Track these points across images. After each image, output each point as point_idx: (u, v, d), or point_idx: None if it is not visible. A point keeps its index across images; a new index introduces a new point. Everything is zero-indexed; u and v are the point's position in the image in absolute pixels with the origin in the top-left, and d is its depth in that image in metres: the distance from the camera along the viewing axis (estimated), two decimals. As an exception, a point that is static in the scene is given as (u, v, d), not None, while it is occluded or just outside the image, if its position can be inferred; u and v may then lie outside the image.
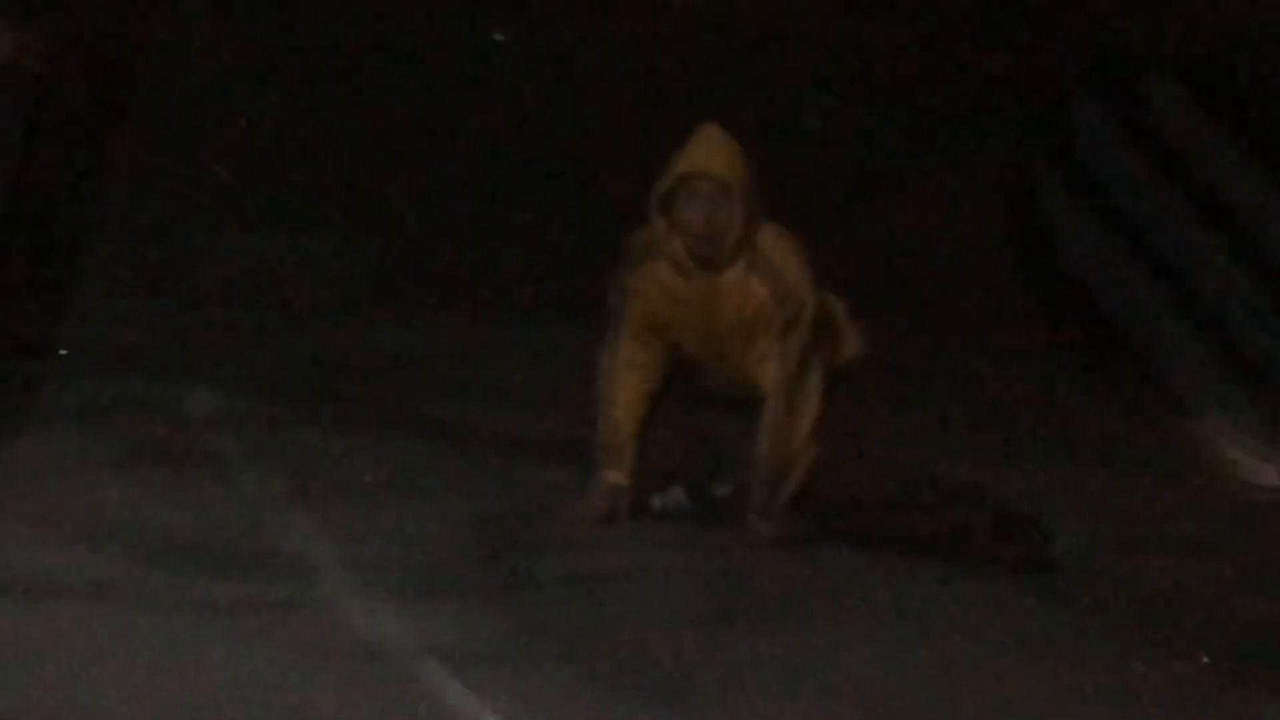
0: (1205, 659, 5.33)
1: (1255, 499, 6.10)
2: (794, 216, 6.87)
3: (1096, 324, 6.42)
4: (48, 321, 6.54)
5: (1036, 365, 6.80)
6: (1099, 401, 6.62)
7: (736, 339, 6.10)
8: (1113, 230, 6.34)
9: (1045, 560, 5.97)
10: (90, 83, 6.76)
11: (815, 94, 7.64)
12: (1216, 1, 6.82)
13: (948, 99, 7.61)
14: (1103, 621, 5.68)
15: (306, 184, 7.36)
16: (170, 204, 7.19)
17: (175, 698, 4.63)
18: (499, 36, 7.29)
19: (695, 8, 7.33)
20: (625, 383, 6.11)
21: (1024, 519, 6.11)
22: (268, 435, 6.62)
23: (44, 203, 6.60)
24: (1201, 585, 5.90)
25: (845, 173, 7.51)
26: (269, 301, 7.38)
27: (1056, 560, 5.96)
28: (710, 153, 6.02)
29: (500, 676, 4.84)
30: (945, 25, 7.39)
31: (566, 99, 7.70)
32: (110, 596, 5.20)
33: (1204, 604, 5.79)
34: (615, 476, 6.11)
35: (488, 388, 7.37)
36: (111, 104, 6.91)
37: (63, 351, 6.55)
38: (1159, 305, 6.14)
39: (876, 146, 7.68)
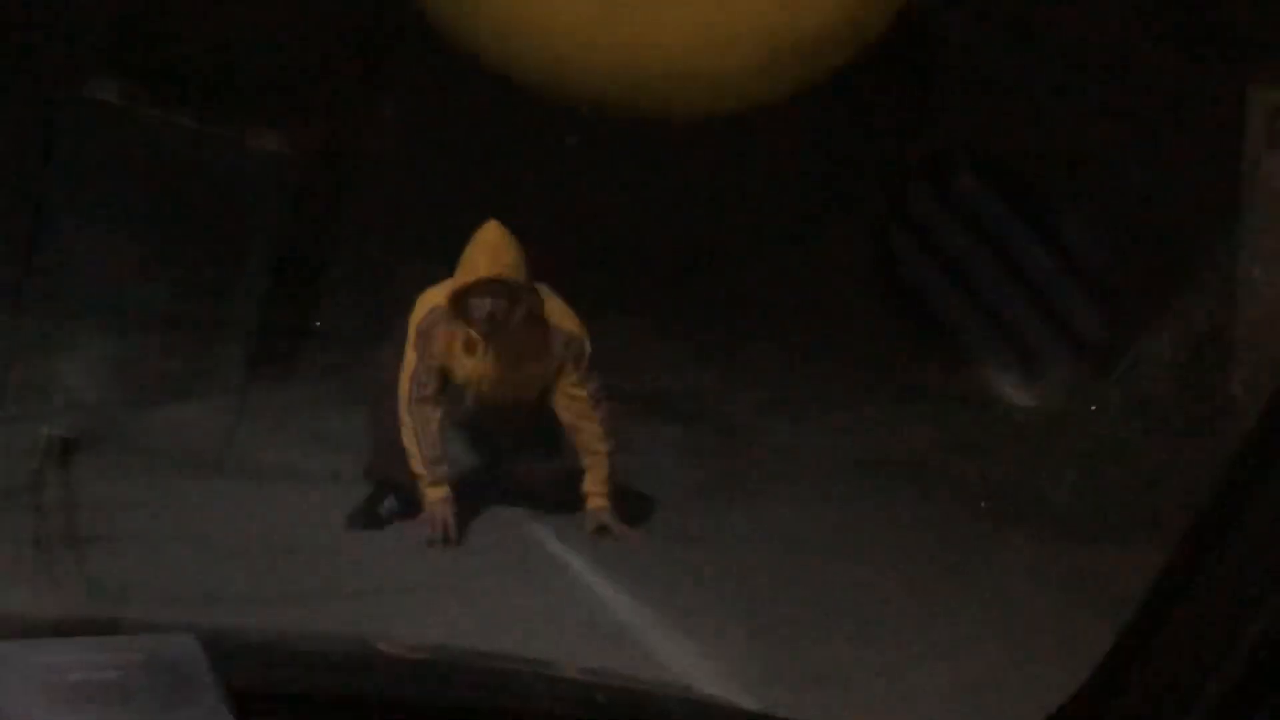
0: (983, 503, 5.34)
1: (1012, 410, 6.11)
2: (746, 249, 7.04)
3: (928, 319, 6.43)
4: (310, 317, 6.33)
5: (894, 347, 6.66)
6: (930, 361, 6.53)
7: (520, 380, 4.98)
8: (938, 260, 6.51)
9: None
10: (332, 162, 6.57)
11: (740, 164, 7.21)
12: (1003, 117, 6.85)
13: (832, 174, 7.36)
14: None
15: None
16: (391, 243, 6.89)
17: (374, 551, 4.68)
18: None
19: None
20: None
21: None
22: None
23: (308, 243, 6.39)
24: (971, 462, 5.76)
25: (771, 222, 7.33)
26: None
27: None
28: (496, 255, 4.74)
29: (579, 530, 4.89)
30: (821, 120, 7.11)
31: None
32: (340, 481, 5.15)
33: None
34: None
35: None
36: (343, 180, 6.75)
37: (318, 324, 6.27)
38: (964, 302, 6.26)
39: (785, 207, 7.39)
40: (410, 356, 4.89)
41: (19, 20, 7.16)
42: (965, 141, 6.95)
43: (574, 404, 4.96)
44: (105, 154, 6.09)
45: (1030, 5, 6.99)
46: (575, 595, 4.49)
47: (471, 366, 4.93)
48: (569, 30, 6.00)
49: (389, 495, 5.00)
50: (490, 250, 4.81)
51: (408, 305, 5.06)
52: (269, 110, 6.48)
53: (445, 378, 4.91)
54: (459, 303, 4.81)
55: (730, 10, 6.09)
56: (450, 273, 4.93)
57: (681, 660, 4.07)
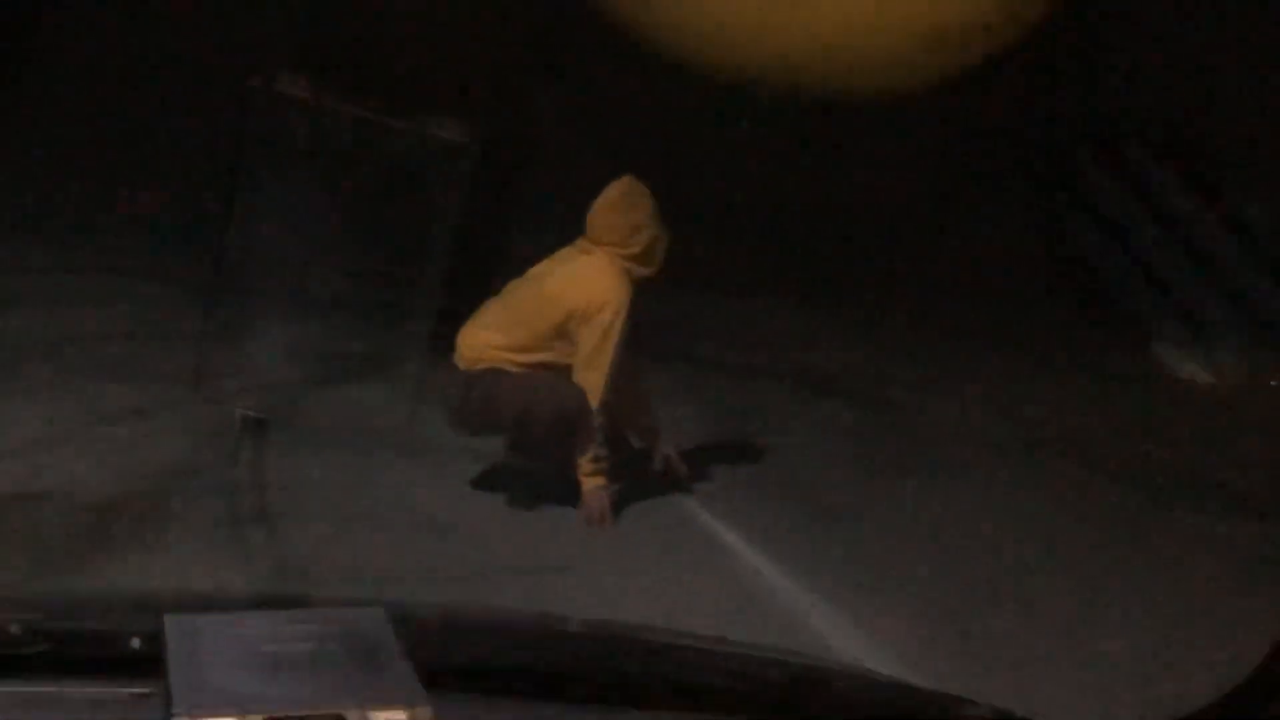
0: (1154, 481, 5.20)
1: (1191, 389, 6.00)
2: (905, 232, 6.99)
3: (1094, 292, 6.37)
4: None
5: (1057, 322, 6.53)
6: (1095, 337, 6.44)
7: None
8: (1109, 236, 6.35)
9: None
10: (506, 151, 6.53)
11: (894, 132, 6.99)
12: (1169, 89, 6.64)
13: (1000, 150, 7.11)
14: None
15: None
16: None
17: (537, 529, 4.61)
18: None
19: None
20: None
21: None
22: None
23: (483, 230, 6.42)
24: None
25: (926, 192, 7.20)
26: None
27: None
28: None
29: (727, 508, 4.83)
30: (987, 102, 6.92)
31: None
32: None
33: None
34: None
35: (723, 334, 6.84)
36: (518, 168, 6.72)
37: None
38: (1135, 276, 6.12)
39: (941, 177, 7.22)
40: (601, 377, 4.60)
41: (215, 19, 7.36)
42: (1134, 111, 6.73)
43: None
44: (293, 147, 6.17)
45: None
46: (731, 571, 4.44)
47: None
48: (742, 18, 6.03)
49: (542, 477, 4.89)
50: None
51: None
52: (446, 101, 6.46)
53: None
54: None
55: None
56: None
57: (840, 636, 4.05)
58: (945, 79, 6.44)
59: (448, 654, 1.42)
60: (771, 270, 6.64)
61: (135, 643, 1.29)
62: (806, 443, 5.51)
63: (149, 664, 1.19)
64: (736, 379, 5.35)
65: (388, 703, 1.15)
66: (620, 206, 4.70)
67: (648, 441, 4.96)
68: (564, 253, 4.79)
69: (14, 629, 1.33)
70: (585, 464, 4.69)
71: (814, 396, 6.23)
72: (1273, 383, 5.77)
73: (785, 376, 6.20)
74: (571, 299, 4.66)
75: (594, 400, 4.60)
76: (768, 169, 7.06)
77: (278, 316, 5.97)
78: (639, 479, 4.94)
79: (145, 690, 1.20)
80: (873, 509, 5.01)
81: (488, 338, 4.81)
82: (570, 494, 4.77)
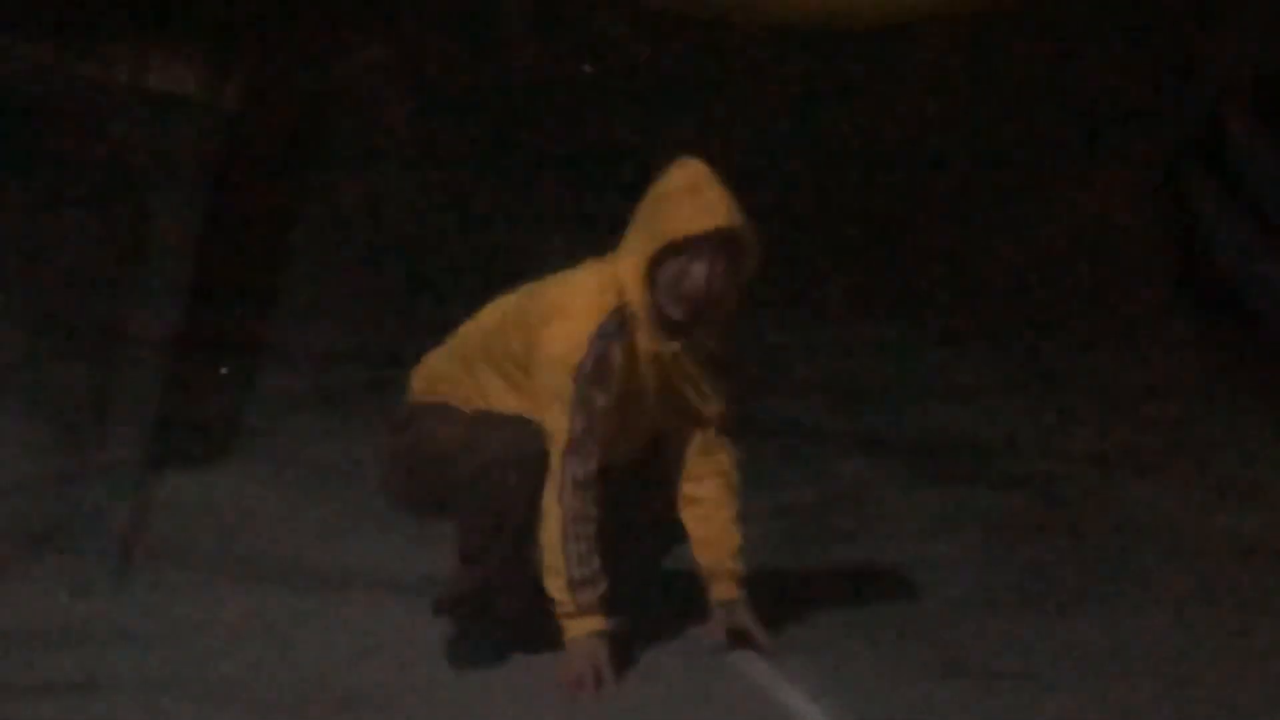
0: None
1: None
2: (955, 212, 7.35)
3: (1242, 320, 6.57)
4: (257, 323, 6.48)
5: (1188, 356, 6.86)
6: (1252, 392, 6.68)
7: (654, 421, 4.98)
8: (1261, 232, 6.57)
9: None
10: (283, 115, 6.86)
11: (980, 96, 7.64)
12: None
13: (1105, 102, 7.59)
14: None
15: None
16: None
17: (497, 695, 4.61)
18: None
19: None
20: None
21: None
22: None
23: (242, 221, 6.65)
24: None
25: (1004, 169, 7.61)
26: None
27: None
28: (720, 201, 4.76)
29: (810, 661, 4.77)
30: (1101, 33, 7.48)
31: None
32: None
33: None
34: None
35: (801, 382, 7.18)
36: (301, 136, 6.96)
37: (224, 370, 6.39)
38: None
39: (1032, 146, 7.68)
40: (562, 419, 4.74)
41: None
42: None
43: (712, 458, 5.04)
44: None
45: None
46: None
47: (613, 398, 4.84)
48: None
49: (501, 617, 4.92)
50: (710, 193, 4.75)
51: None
52: (182, 43, 6.86)
53: None
54: (652, 275, 4.75)
55: None
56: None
57: None
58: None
59: None
60: (877, 283, 6.92)
61: None
62: (933, 553, 5.65)
63: None
64: (820, 449, 5.45)
65: None
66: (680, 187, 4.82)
67: (708, 567, 4.97)
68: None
69: None
70: (554, 581, 4.71)
71: (946, 477, 6.47)
72: None
73: (893, 449, 6.27)
74: (532, 318, 4.85)
75: (557, 443, 4.70)
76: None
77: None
78: (662, 600, 4.98)
79: None
80: (1025, 657, 4.95)
81: (445, 369, 5.02)
82: (549, 637, 4.76)
